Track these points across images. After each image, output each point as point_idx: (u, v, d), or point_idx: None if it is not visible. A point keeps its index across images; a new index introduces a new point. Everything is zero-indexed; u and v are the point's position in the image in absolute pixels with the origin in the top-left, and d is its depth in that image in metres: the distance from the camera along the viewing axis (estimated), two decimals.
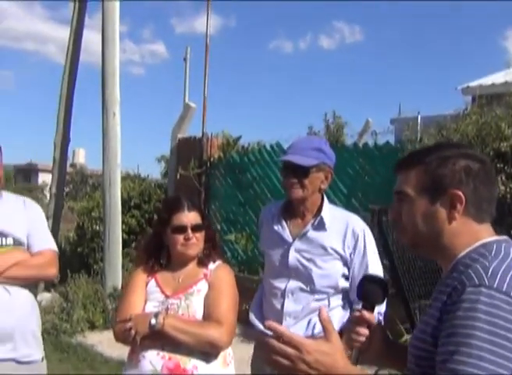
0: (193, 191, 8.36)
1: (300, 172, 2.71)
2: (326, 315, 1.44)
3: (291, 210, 2.86)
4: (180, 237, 2.57)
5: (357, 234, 2.75)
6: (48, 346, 6.59)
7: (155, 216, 9.49)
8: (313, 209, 2.82)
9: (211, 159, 8.80)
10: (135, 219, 9.62)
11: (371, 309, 1.74)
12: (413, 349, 1.50)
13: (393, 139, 9.18)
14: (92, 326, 7.32)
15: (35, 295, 2.83)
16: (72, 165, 32.24)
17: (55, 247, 2.88)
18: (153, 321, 2.39)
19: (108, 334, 7.22)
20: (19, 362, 2.68)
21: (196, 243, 2.59)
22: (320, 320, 1.44)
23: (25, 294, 2.73)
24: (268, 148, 8.30)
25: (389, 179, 6.52)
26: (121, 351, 6.11)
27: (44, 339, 6.77)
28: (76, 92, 8.84)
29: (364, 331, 1.71)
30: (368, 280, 1.83)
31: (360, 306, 1.77)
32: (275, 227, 2.86)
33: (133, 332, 2.40)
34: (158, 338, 2.41)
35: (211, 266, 2.65)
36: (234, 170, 8.58)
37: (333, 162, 2.81)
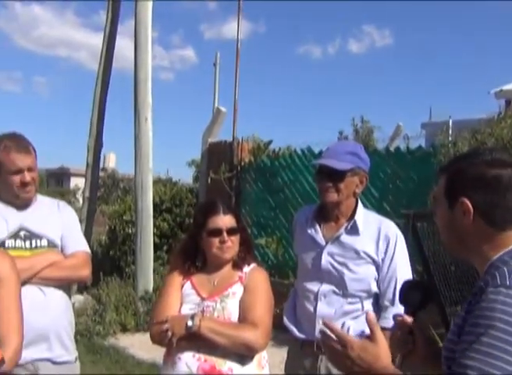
0: (224, 195, 8.38)
1: (335, 176, 2.71)
2: (373, 317, 1.59)
3: (325, 214, 2.85)
4: (216, 241, 2.58)
5: (388, 238, 2.73)
6: (80, 348, 6.67)
7: (188, 220, 9.58)
8: (347, 213, 2.81)
9: (242, 163, 8.82)
10: (166, 223, 9.70)
11: (413, 314, 1.74)
12: (444, 351, 1.52)
13: (424, 144, 9.07)
14: (124, 329, 7.40)
15: (69, 296, 2.88)
16: (103, 169, 32.63)
17: (87, 249, 2.93)
18: (189, 323, 2.41)
19: (140, 337, 7.30)
20: (54, 363, 2.72)
21: (231, 246, 2.60)
22: (367, 322, 1.57)
23: (59, 294, 2.77)
24: (299, 152, 8.29)
25: (422, 183, 6.46)
26: (153, 354, 6.20)
27: (77, 341, 6.84)
28: (108, 97, 8.95)
29: (407, 337, 1.71)
30: (409, 284, 1.82)
31: (401, 312, 1.76)
32: (309, 231, 2.86)
33: (169, 334, 2.42)
34: (194, 340, 2.43)
35: (246, 268, 2.66)
36: (265, 174, 8.58)
37: (368, 167, 2.81)
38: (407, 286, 1.80)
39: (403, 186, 6.94)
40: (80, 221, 9.05)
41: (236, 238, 2.63)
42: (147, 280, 8.16)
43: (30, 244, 2.74)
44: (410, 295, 1.76)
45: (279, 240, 8.23)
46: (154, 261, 8.44)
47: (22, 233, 2.75)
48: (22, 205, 2.80)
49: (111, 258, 9.93)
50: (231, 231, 2.60)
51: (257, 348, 2.48)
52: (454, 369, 1.36)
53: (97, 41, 8.58)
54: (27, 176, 2.73)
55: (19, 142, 2.75)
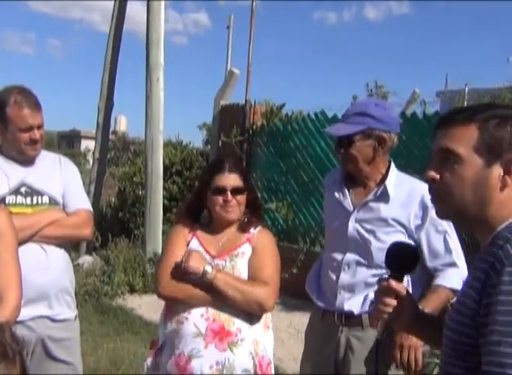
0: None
1: (344, 142, 2.54)
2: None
3: (354, 178, 2.67)
4: (219, 199, 2.49)
5: (425, 204, 2.49)
6: (89, 308, 6.73)
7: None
8: (376, 178, 2.61)
9: (254, 127, 8.68)
10: (176, 186, 9.62)
11: (400, 278, 1.62)
12: (450, 332, 1.38)
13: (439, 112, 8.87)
14: (132, 290, 7.41)
15: (69, 255, 2.81)
16: (114, 132, 32.55)
17: (90, 207, 2.84)
18: (208, 268, 2.36)
19: (147, 298, 7.30)
20: (53, 320, 2.68)
21: (235, 206, 2.51)
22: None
23: (61, 253, 2.71)
24: (312, 116, 8.13)
25: None
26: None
27: (85, 301, 6.94)
28: (120, 62, 8.85)
29: (391, 302, 1.59)
30: (396, 246, 1.70)
31: (387, 275, 1.65)
32: (337, 195, 2.68)
33: (184, 265, 2.37)
34: (206, 295, 2.39)
35: (253, 230, 2.58)
36: (277, 138, 8.45)
37: (391, 125, 2.56)
38: (394, 248, 1.69)
39: (417, 152, 6.78)
40: (90, 182, 9.10)
41: (241, 198, 2.52)
42: (155, 242, 8.14)
43: (31, 200, 2.66)
44: (396, 258, 1.65)
45: (290, 205, 8.14)
46: (164, 223, 8.40)
47: (23, 190, 2.66)
48: (25, 160, 2.71)
49: (120, 220, 9.91)
50: (236, 191, 2.50)
51: (267, 306, 2.45)
52: (488, 369, 1.23)
53: (110, 3, 8.40)
54: (37, 134, 2.64)
55: (29, 98, 2.65)
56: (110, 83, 8.76)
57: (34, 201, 2.66)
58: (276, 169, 8.41)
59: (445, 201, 1.42)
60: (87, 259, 8.21)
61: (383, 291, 1.60)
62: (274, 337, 2.63)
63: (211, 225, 2.60)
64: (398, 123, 2.62)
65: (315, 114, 8.08)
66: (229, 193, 2.48)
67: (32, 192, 2.67)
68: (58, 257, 2.69)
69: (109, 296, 7.10)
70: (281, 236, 7.78)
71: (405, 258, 1.64)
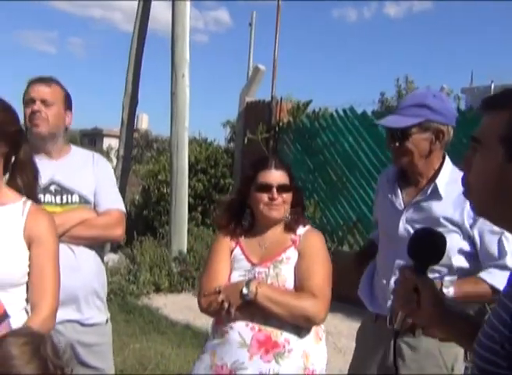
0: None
1: (398, 135, 2.37)
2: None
3: (406, 176, 2.51)
4: (264, 197, 2.36)
5: None
6: (114, 307, 6.65)
7: (223, 181, 9.42)
8: (428, 174, 2.44)
9: (280, 124, 8.54)
10: (201, 184, 9.53)
11: (422, 270, 1.47)
12: (478, 360, 1.17)
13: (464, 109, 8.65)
14: (157, 289, 7.32)
15: (102, 256, 2.70)
16: (136, 130, 32.66)
17: (122, 207, 2.71)
18: (245, 290, 2.21)
19: (173, 298, 7.23)
20: (83, 324, 2.57)
21: (280, 204, 2.37)
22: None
23: (91, 255, 2.59)
24: (341, 112, 7.96)
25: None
26: (186, 316, 6.11)
27: (110, 300, 6.87)
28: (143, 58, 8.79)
29: (409, 295, 1.45)
30: (420, 234, 1.53)
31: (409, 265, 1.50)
32: (389, 194, 2.53)
33: (226, 305, 2.23)
34: (248, 309, 2.23)
35: (300, 231, 2.42)
36: (304, 135, 8.30)
37: (446, 117, 2.39)
38: (417, 236, 1.53)
39: (450, 148, 6.58)
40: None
41: (287, 197, 2.39)
42: (181, 240, 8.04)
43: (61, 199, 2.55)
44: (419, 247, 1.49)
45: (317, 203, 7.99)
46: (189, 222, 8.31)
47: (52, 188, 2.55)
48: (52, 154, 2.58)
49: (144, 218, 9.85)
50: (282, 188, 2.37)
51: (316, 321, 2.28)
52: None
53: (131, 2, 8.41)
54: (36, 106, 2.51)
55: (44, 77, 2.58)
56: (134, 80, 8.70)
57: (64, 200, 2.55)
58: (303, 167, 8.26)
59: (471, 194, 1.26)
60: (111, 257, 8.15)
61: (402, 282, 1.48)
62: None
63: (254, 226, 2.46)
64: (454, 116, 2.45)
65: (344, 110, 7.92)
66: (274, 190, 2.35)
67: (61, 190, 2.56)
68: (89, 259, 2.57)
69: (135, 295, 7.03)
70: None
71: (429, 248, 1.47)
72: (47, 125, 2.56)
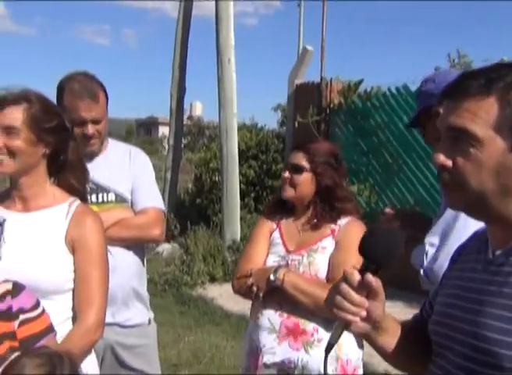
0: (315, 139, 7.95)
1: None
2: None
3: None
4: (283, 177, 2.38)
5: None
6: (169, 298, 6.65)
7: (275, 167, 9.28)
8: None
9: (331, 105, 8.29)
10: (253, 170, 9.41)
11: (375, 271, 1.21)
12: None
13: None
14: (212, 279, 7.27)
15: (141, 255, 2.56)
16: (190, 118, 32.90)
17: (161, 205, 2.55)
18: (272, 277, 2.20)
19: (228, 287, 7.10)
20: (122, 326, 2.46)
21: (290, 185, 2.33)
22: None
23: (129, 255, 2.46)
24: (394, 91, 7.64)
25: None
26: (241, 306, 6.00)
27: (165, 291, 6.87)
28: (192, 47, 8.80)
29: (359, 300, 1.20)
30: (375, 229, 1.29)
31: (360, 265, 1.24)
32: None
33: (254, 289, 2.24)
34: (277, 295, 2.21)
35: (342, 221, 2.31)
36: (356, 116, 8.03)
37: None
38: (372, 231, 1.28)
39: None
40: (166, 169, 9.04)
41: (297, 178, 2.32)
42: (234, 228, 7.97)
43: (97, 198, 2.42)
44: (372, 243, 1.24)
45: (372, 187, 7.73)
46: (241, 209, 8.22)
47: (88, 187, 2.43)
48: (90, 154, 2.45)
49: (198, 207, 9.82)
50: (294, 168, 2.34)
51: None
52: None
53: None
54: (90, 129, 2.36)
55: (88, 87, 2.36)
56: (181, 68, 8.66)
57: (100, 199, 2.43)
58: (356, 149, 8.00)
59: (458, 191, 1.14)
60: (165, 247, 8.16)
61: (349, 282, 1.20)
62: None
63: (295, 213, 2.42)
64: None
65: (397, 89, 7.59)
66: (287, 171, 2.37)
67: (97, 189, 2.43)
68: (126, 260, 2.44)
69: (189, 286, 7.00)
70: (364, 220, 7.40)
71: (384, 244, 1.22)
72: (100, 142, 2.46)
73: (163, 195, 8.96)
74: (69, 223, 1.89)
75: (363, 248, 1.25)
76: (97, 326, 1.85)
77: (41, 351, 1.31)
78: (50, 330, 1.55)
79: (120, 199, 2.46)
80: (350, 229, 2.27)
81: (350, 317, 1.19)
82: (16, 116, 1.82)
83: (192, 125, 27.55)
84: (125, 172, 2.50)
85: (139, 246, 2.54)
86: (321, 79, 8.39)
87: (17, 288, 1.53)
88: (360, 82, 8.20)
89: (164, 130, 34.35)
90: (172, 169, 8.85)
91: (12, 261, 1.66)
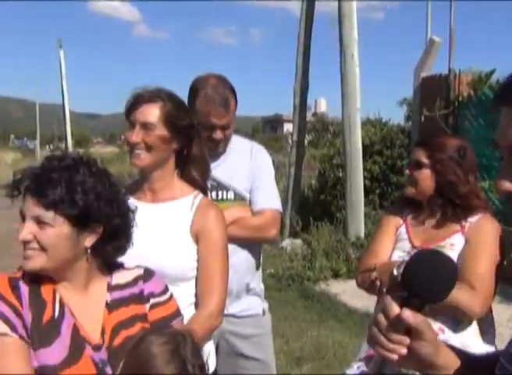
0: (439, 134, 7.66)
1: None
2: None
3: None
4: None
5: None
6: (293, 292, 6.73)
7: (400, 162, 9.06)
8: None
9: (460, 98, 7.94)
10: (377, 166, 9.24)
11: (419, 307, 1.02)
12: None
13: None
14: (335, 275, 7.24)
15: (257, 254, 2.60)
16: (314, 114, 32.90)
17: (278, 206, 2.57)
18: (395, 272, 2.12)
19: (352, 284, 7.03)
20: (237, 317, 2.52)
21: (412, 182, 2.28)
22: None
23: (243, 253, 2.51)
24: None
25: None
26: (366, 302, 5.94)
27: (289, 285, 6.95)
28: (315, 44, 8.79)
29: (396, 337, 1.02)
30: (422, 255, 1.08)
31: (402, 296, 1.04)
32: None
33: (378, 283, 2.20)
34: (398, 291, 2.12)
35: (473, 218, 2.21)
36: (487, 109, 7.63)
37: None
38: (418, 257, 1.06)
39: None
40: (290, 165, 9.13)
41: (418, 174, 2.27)
42: (358, 225, 7.89)
43: (216, 195, 2.49)
44: (417, 274, 1.02)
45: None
46: (366, 205, 8.11)
47: (209, 183, 2.51)
48: (212, 152, 2.53)
49: (321, 203, 9.82)
50: (416, 165, 2.29)
51: (471, 315, 2.08)
52: None
53: None
54: (219, 135, 2.43)
55: (221, 94, 2.42)
56: (304, 64, 8.69)
57: (219, 197, 2.50)
58: (488, 144, 7.60)
59: None
60: (289, 243, 8.25)
61: (389, 317, 1.02)
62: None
63: (424, 207, 2.35)
64: None
65: None
66: (409, 167, 2.35)
67: (218, 186, 2.50)
68: (242, 256, 2.50)
69: (312, 281, 7.02)
70: (497, 218, 7.03)
71: (434, 277, 1.01)
72: (225, 144, 2.53)
73: (287, 191, 9.08)
74: (194, 215, 2.00)
75: (404, 278, 1.04)
76: (218, 312, 1.95)
77: (166, 330, 1.38)
78: (178, 314, 1.63)
79: (239, 198, 2.51)
80: (482, 226, 2.18)
81: (385, 354, 1.03)
82: (152, 112, 1.94)
83: (316, 121, 27.53)
84: (245, 170, 2.54)
85: (255, 245, 2.59)
86: (450, 70, 8.05)
87: (148, 274, 1.62)
88: (491, 72, 7.78)
89: (289, 127, 34.69)
90: (295, 165, 8.92)
91: (142, 248, 1.76)
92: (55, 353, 1.38)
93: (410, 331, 1.02)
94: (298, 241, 8.27)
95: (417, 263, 1.04)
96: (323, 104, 45.90)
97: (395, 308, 1.01)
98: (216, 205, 2.13)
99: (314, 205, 9.90)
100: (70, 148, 23.36)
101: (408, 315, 1.00)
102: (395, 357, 1.03)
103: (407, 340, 1.02)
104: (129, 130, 1.99)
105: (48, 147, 48.87)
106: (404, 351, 1.02)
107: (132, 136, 1.96)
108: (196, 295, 2.00)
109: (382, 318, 1.03)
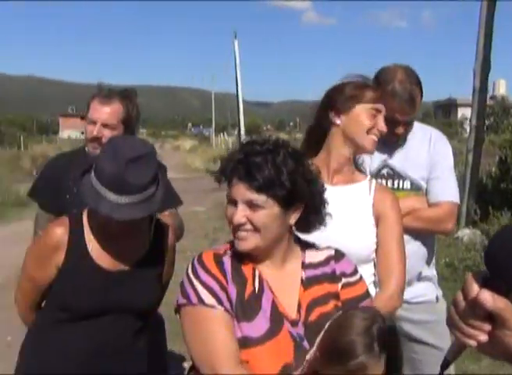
0: None
1: None
2: None
3: None
4: None
5: None
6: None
7: None
8: None
9: None
10: None
11: (506, 291, 0.85)
12: None
13: None
14: None
15: (431, 244, 2.53)
16: (493, 97, 30.91)
17: (456, 198, 2.46)
18: None
19: None
20: (410, 303, 2.44)
21: None
22: None
23: (416, 243, 2.45)
24: None
25: None
26: None
27: (465, 276, 6.69)
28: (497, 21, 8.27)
29: (479, 324, 0.88)
30: (509, 231, 0.88)
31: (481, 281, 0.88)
32: None
33: None
34: None
35: None
36: None
37: None
38: (504, 234, 0.87)
39: None
40: (467, 151, 8.70)
41: None
42: None
43: (392, 184, 2.44)
44: (502, 253, 0.84)
45: None
46: None
47: (385, 172, 2.45)
48: (389, 140, 2.48)
49: (502, 191, 9.23)
50: None
51: None
52: None
53: None
54: (401, 130, 2.39)
55: (408, 90, 2.34)
56: (486, 45, 8.21)
57: (395, 185, 2.45)
58: None
59: None
60: (466, 233, 7.91)
61: (470, 303, 0.88)
62: None
63: None
64: None
65: None
66: None
67: (394, 175, 2.46)
68: (414, 246, 2.43)
69: None
70: None
71: None
72: (404, 138, 2.50)
73: (464, 179, 8.66)
74: (374, 198, 2.05)
75: (488, 255, 0.89)
76: (398, 294, 1.99)
77: (368, 309, 1.46)
78: (368, 295, 1.67)
79: (415, 187, 2.45)
80: None
81: (463, 339, 0.92)
82: None
83: (495, 104, 25.86)
84: (423, 159, 2.47)
85: (428, 236, 2.52)
86: None
87: (339, 254, 1.67)
88: None
89: (464, 112, 32.93)
90: (474, 151, 8.48)
91: (331, 230, 1.82)
92: (258, 326, 1.47)
93: (492, 316, 0.88)
94: (476, 232, 7.88)
95: (503, 238, 0.88)
96: (502, 85, 42.98)
97: (474, 289, 0.88)
98: (391, 190, 2.16)
99: (493, 193, 9.34)
100: (243, 136, 24.28)
101: (486, 298, 0.86)
102: (473, 343, 0.91)
103: (487, 326, 0.89)
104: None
105: (221, 134, 51.26)
106: (484, 337, 0.90)
107: None
108: (374, 274, 2.04)
109: (460, 298, 0.91)
